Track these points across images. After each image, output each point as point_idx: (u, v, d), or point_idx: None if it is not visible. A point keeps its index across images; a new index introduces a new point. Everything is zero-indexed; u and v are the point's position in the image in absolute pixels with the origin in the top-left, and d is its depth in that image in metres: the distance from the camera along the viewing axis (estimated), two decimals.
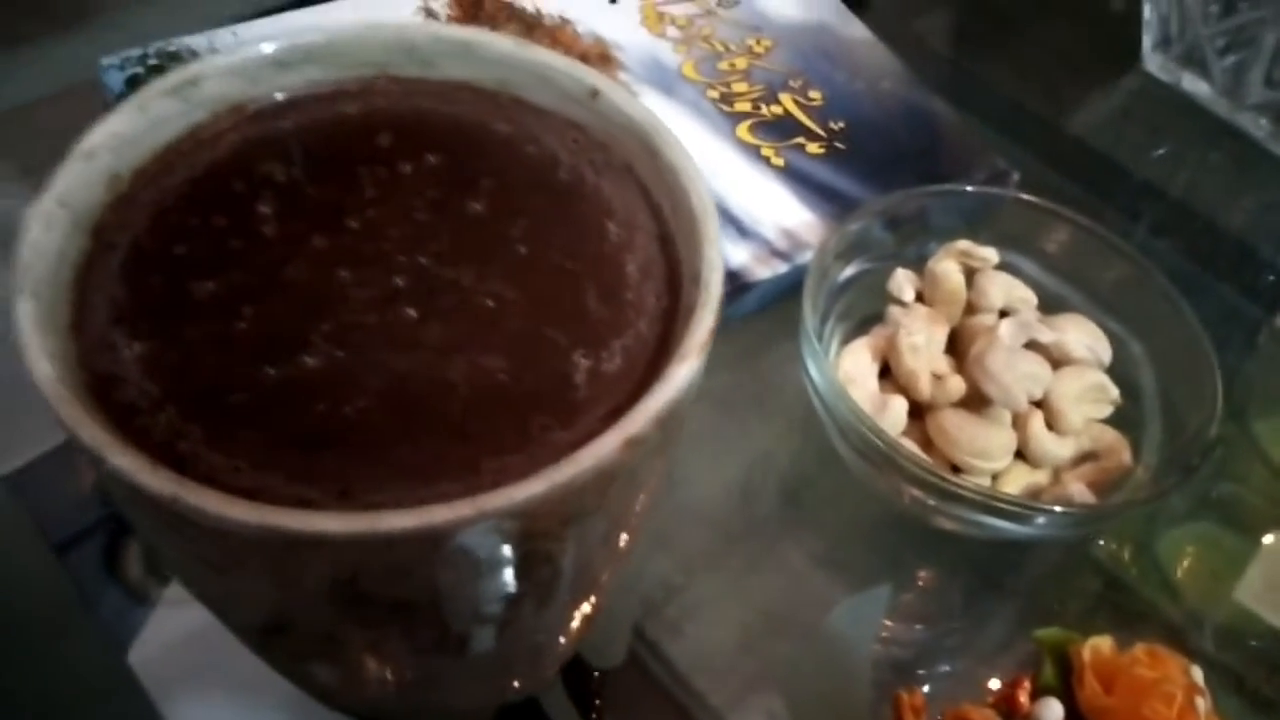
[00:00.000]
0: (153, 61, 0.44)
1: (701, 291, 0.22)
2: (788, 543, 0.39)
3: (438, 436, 0.21)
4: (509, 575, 0.22)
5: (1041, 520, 0.33)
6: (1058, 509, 0.33)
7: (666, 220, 0.25)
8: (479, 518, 0.19)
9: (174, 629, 0.34)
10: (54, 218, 0.22)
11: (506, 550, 0.21)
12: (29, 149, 0.45)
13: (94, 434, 0.19)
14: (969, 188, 0.40)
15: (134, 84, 0.43)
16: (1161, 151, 0.53)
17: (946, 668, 0.36)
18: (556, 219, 0.25)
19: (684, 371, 0.21)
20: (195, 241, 0.24)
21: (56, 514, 0.36)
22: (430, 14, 0.47)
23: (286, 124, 0.26)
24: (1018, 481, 0.36)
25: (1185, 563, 0.41)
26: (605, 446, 0.20)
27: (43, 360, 0.20)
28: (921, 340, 0.36)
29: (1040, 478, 0.36)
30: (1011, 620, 0.37)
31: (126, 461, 0.19)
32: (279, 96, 0.27)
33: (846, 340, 0.39)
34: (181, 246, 0.24)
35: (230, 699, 0.33)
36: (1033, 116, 0.54)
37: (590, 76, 0.26)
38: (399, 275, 0.24)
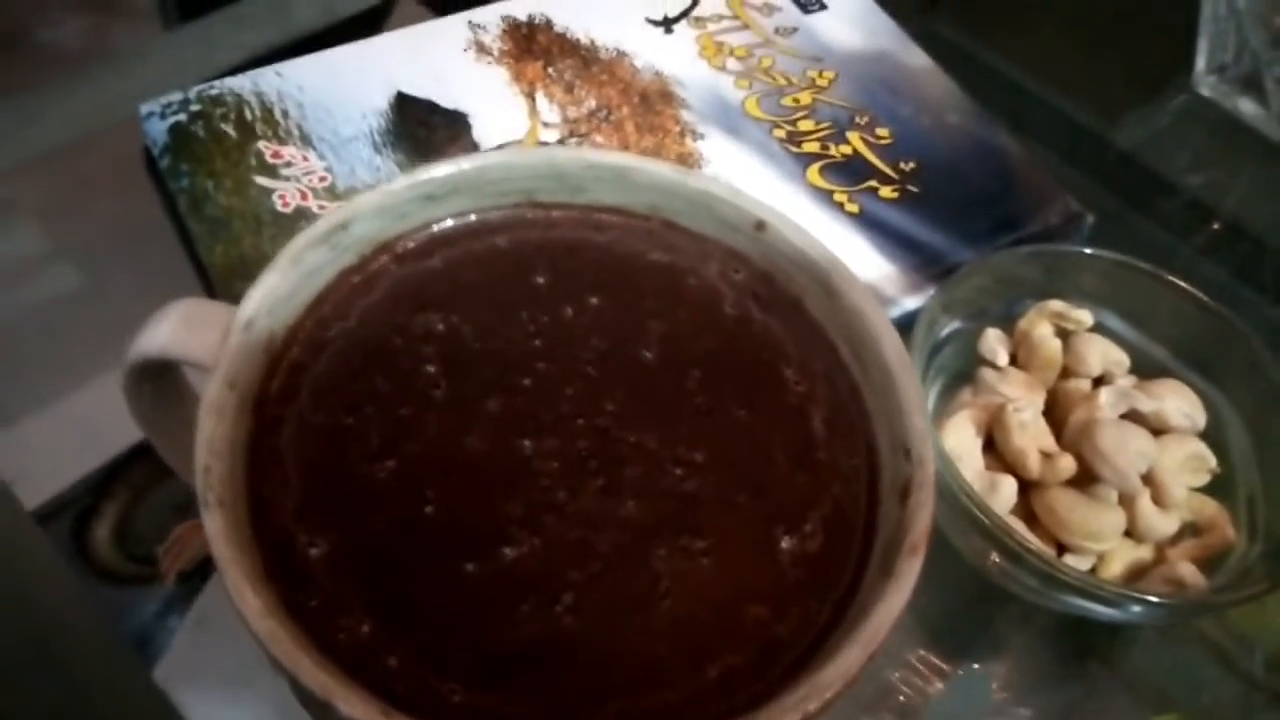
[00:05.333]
0: (195, 107, 0.41)
1: (915, 468, 0.21)
2: None
3: (651, 634, 0.20)
4: None
5: (1159, 610, 0.33)
6: (1179, 601, 0.33)
7: (847, 365, 0.24)
8: None
9: (201, 646, 0.34)
10: (224, 404, 0.21)
11: None
12: (68, 201, 0.42)
13: (320, 680, 0.18)
14: (1087, 250, 0.39)
15: (177, 132, 0.41)
16: (1209, 173, 0.52)
17: None
18: (730, 365, 0.24)
19: (914, 567, 0.20)
20: (363, 411, 0.22)
21: None
22: (482, 48, 0.45)
23: (437, 263, 0.25)
24: (1122, 559, 0.35)
25: None
26: (849, 664, 0.19)
27: (246, 588, 0.19)
28: (1029, 416, 0.36)
29: (1144, 553, 0.36)
30: (1116, 693, 0.37)
31: (359, 711, 0.18)
32: (427, 232, 0.25)
33: (938, 402, 0.39)
34: (349, 417, 0.22)
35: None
36: (1080, 130, 0.54)
37: (756, 208, 0.25)
38: (581, 440, 0.22)
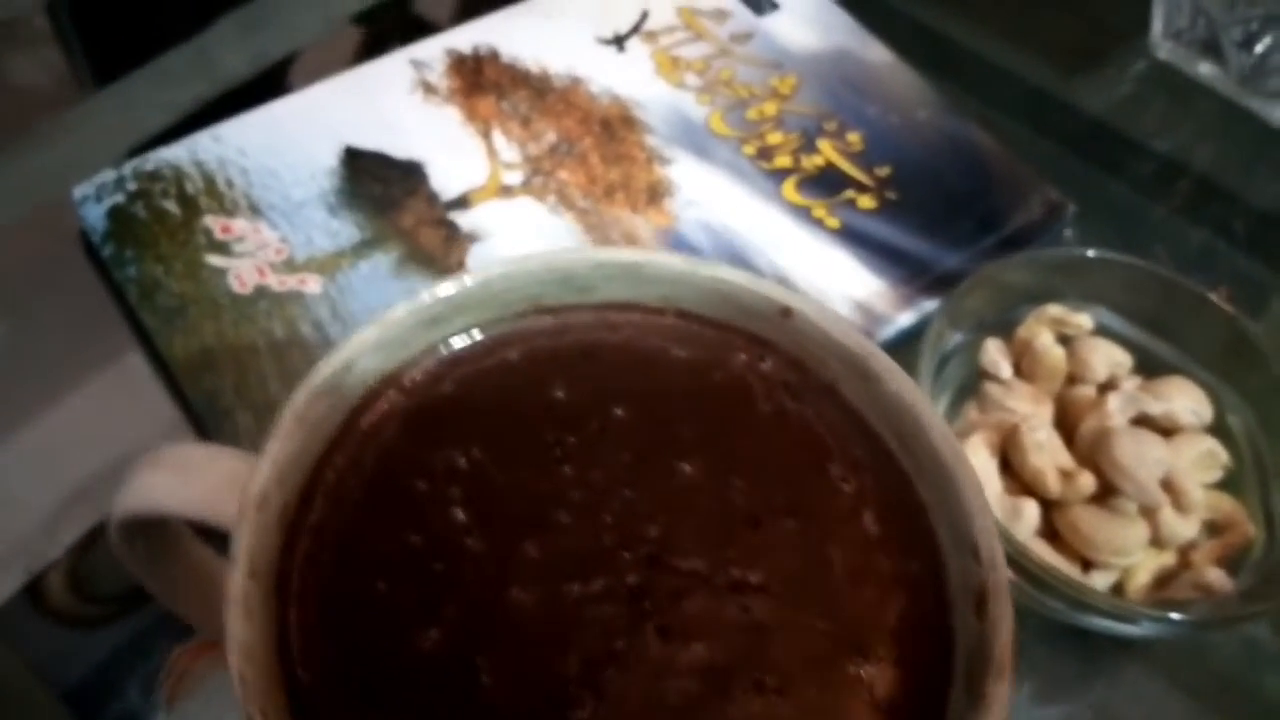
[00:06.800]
0: (132, 186, 0.39)
1: (988, 572, 0.20)
2: None
3: None
4: None
5: (1191, 627, 0.33)
6: (1211, 617, 0.33)
7: (893, 454, 0.23)
8: None
9: None
10: (250, 599, 0.19)
11: None
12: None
13: None
14: (1090, 253, 0.38)
15: (116, 216, 0.38)
16: (1175, 136, 0.52)
17: None
18: (772, 468, 0.23)
19: (1005, 690, 0.19)
20: (395, 574, 0.20)
21: None
22: (429, 88, 0.42)
23: (448, 389, 0.23)
24: (1147, 568, 0.35)
25: None
26: None
27: None
28: (1044, 436, 0.35)
29: (1168, 559, 0.35)
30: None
31: None
32: (434, 356, 0.23)
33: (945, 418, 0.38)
34: (381, 582, 0.20)
35: None
36: (1042, 100, 0.53)
37: (780, 294, 0.23)
38: (630, 575, 0.21)
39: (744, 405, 0.23)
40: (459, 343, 0.23)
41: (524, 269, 0.23)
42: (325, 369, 0.21)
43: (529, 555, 0.21)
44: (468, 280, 0.23)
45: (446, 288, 0.22)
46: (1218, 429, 0.38)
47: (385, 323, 0.22)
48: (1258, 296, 0.48)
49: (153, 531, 0.24)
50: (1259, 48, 0.48)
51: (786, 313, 0.23)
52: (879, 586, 0.21)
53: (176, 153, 0.40)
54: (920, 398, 0.22)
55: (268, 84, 0.46)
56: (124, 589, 0.35)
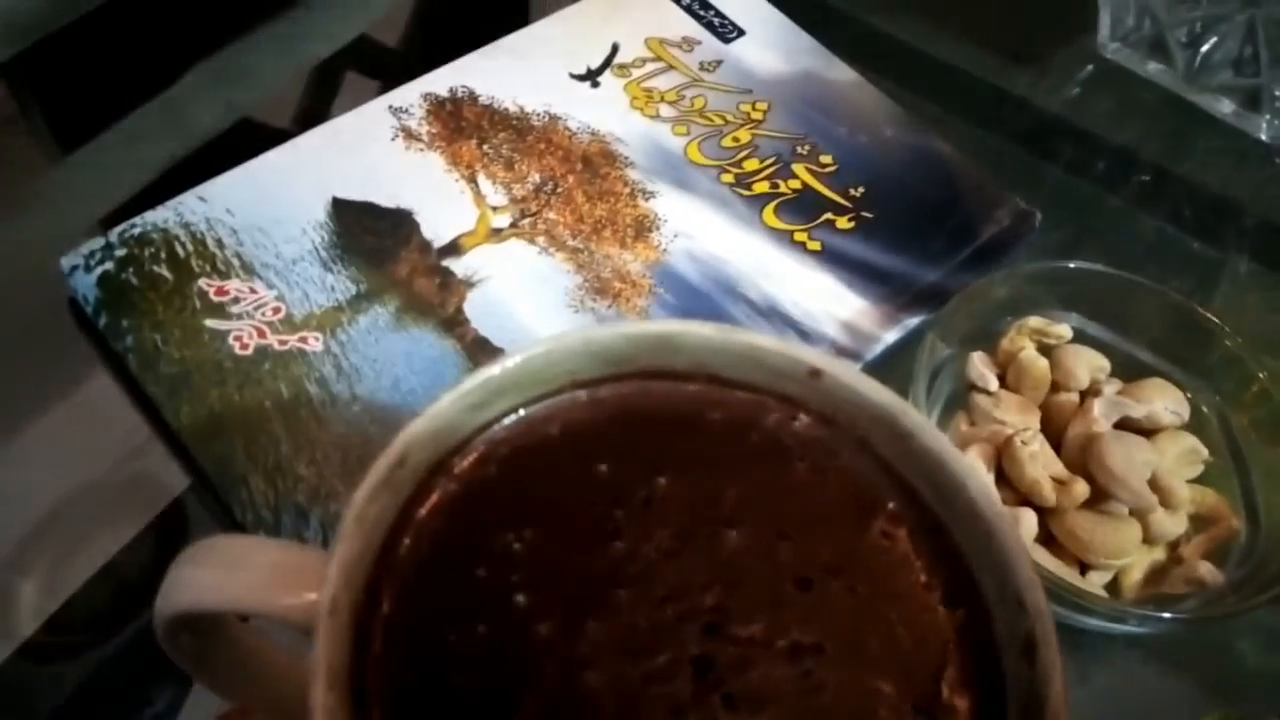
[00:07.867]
0: (120, 252, 0.39)
1: (1035, 622, 0.21)
2: None
3: None
4: None
5: (1190, 624, 0.34)
6: (1209, 613, 0.34)
7: (930, 507, 0.24)
8: None
9: None
10: (334, 712, 0.19)
11: None
12: None
13: None
14: (1071, 264, 0.39)
15: (107, 284, 0.38)
16: (1126, 134, 0.54)
17: None
18: (815, 525, 0.24)
19: None
20: (468, 666, 0.21)
21: None
22: (410, 134, 0.43)
23: (493, 471, 0.23)
24: (1140, 566, 0.37)
25: None
26: None
27: None
28: (1038, 446, 0.36)
29: (1159, 555, 0.37)
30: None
31: None
32: (479, 440, 0.24)
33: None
34: (455, 675, 0.21)
35: None
36: (995, 104, 0.54)
37: (809, 356, 0.24)
38: (692, 647, 0.22)
39: (781, 465, 0.24)
40: (502, 425, 0.24)
41: (563, 346, 0.24)
42: (381, 466, 0.22)
43: (593, 635, 0.22)
44: (509, 362, 0.23)
45: (489, 370, 0.23)
46: (1194, 424, 0.39)
47: (433, 414, 0.22)
48: (1209, 280, 0.50)
49: (198, 625, 0.24)
50: (1204, 46, 0.50)
51: (816, 373, 0.24)
52: (931, 640, 0.22)
53: (164, 215, 0.39)
54: (954, 453, 0.23)
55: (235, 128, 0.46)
56: (97, 614, 0.35)
